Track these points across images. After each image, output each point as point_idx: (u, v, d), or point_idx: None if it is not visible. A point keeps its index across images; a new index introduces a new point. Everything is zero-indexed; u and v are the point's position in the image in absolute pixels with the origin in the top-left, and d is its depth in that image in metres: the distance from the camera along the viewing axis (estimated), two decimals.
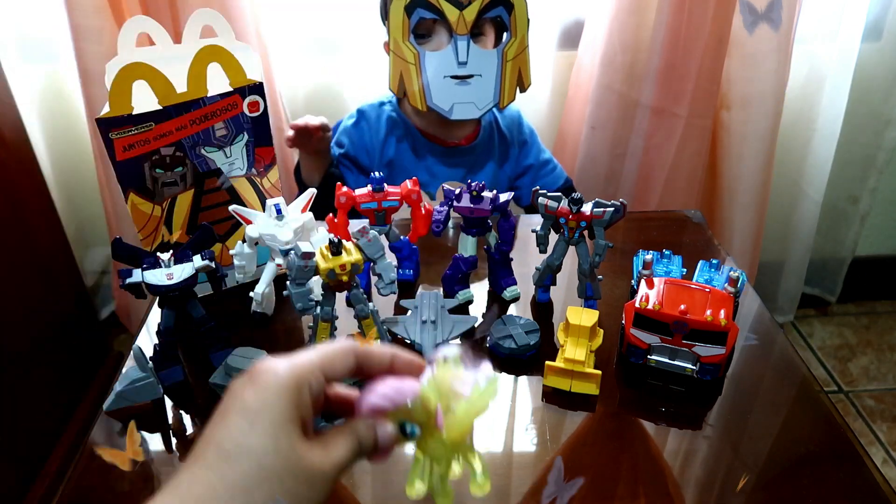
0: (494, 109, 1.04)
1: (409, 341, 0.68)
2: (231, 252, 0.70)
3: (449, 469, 0.43)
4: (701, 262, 0.73)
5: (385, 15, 1.01)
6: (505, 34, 1.01)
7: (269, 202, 0.68)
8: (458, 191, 0.71)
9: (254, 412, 0.32)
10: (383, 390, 0.39)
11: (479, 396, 0.40)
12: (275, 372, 0.33)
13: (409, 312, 0.72)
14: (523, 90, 1.05)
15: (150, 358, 0.62)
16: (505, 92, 1.01)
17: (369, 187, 0.72)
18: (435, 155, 1.10)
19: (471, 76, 0.99)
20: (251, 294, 0.69)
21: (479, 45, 1.00)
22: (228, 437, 0.32)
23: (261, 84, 0.71)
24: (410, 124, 1.11)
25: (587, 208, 0.67)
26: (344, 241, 0.61)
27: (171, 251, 0.62)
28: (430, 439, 0.41)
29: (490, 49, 1.01)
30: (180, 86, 0.67)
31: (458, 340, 0.69)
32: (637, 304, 0.61)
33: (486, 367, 0.41)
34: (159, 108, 0.66)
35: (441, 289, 0.76)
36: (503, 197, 0.71)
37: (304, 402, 0.34)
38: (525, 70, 1.03)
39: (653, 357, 0.62)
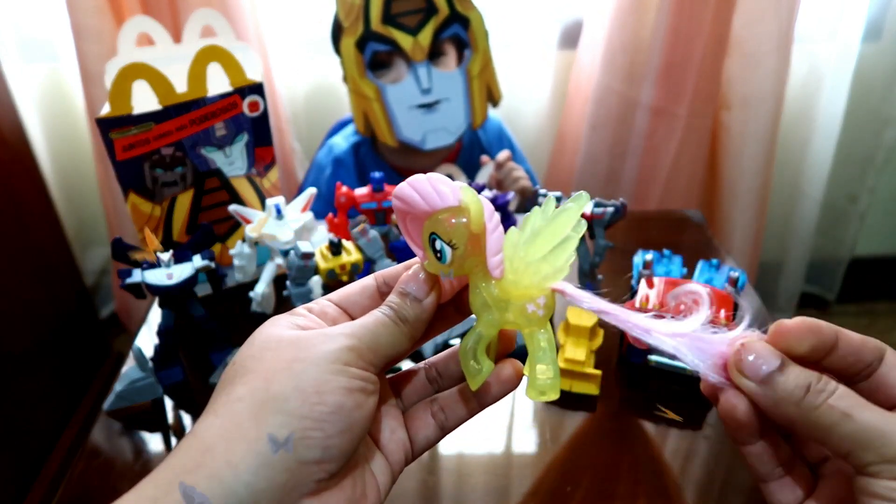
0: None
1: None
2: (231, 252, 0.70)
3: (494, 330, 0.30)
4: (701, 261, 0.73)
5: (338, 50, 0.96)
6: (466, 50, 0.96)
7: (269, 202, 0.68)
8: None
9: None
10: (419, 184, 0.28)
11: (560, 214, 0.28)
12: None
13: None
14: (495, 104, 1.01)
15: (150, 358, 0.62)
16: (476, 110, 0.96)
17: (369, 187, 0.72)
18: None
19: (437, 102, 0.94)
20: (251, 294, 0.69)
21: (440, 68, 0.94)
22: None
23: (261, 84, 0.71)
24: (385, 165, 1.06)
25: (587, 208, 0.67)
26: (344, 241, 0.61)
27: (171, 251, 0.62)
28: (475, 277, 0.29)
29: (453, 68, 0.96)
30: (180, 86, 0.67)
31: (457, 340, 0.69)
32: (637, 305, 0.61)
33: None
34: (159, 108, 0.66)
35: None
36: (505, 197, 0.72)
37: (301, 321, 0.31)
38: (493, 83, 0.99)
39: (653, 357, 0.62)
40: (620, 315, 0.29)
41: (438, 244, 0.28)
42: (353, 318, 0.32)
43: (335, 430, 0.26)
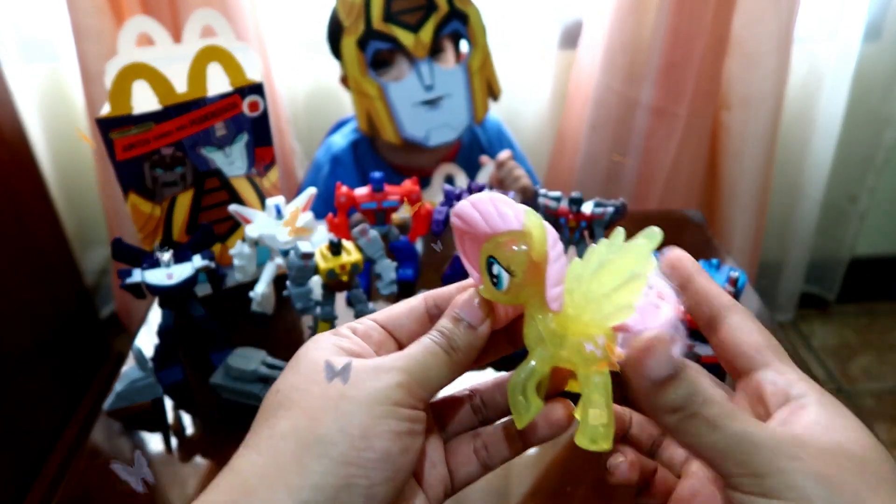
0: (474, 125, 1.02)
1: None
2: (231, 252, 0.70)
3: (547, 367, 0.28)
4: (701, 261, 0.73)
5: (337, 52, 0.97)
6: (466, 46, 0.97)
7: (269, 202, 0.68)
8: (458, 191, 0.71)
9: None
10: (481, 203, 0.27)
11: (630, 250, 0.26)
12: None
13: None
14: (496, 99, 1.02)
15: (151, 358, 0.62)
16: (478, 105, 0.97)
17: (369, 187, 0.72)
18: None
19: (440, 98, 0.95)
20: (251, 294, 0.69)
21: (440, 64, 0.95)
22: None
23: (261, 84, 0.71)
24: (384, 163, 1.06)
25: (587, 208, 0.67)
26: (344, 241, 0.61)
27: (171, 251, 0.62)
28: (532, 308, 0.27)
29: (452, 64, 0.97)
30: (180, 86, 0.67)
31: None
32: None
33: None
34: (159, 108, 0.66)
35: None
36: None
37: (346, 343, 0.29)
38: (493, 78, 1.00)
39: None
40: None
41: (496, 269, 0.27)
42: (398, 342, 0.30)
43: (381, 477, 0.25)
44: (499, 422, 0.32)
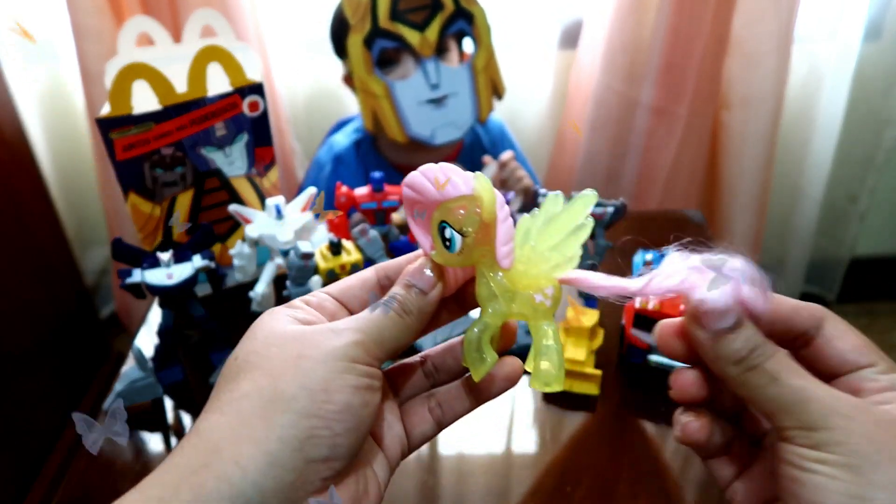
0: (477, 126, 1.02)
1: None
2: (231, 252, 0.70)
3: (500, 321, 0.30)
4: None
5: (340, 51, 0.97)
6: (471, 46, 0.98)
7: (269, 202, 0.68)
8: None
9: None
10: (431, 172, 0.29)
11: (575, 201, 0.29)
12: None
13: None
14: (500, 98, 1.02)
15: (151, 358, 0.62)
16: (482, 104, 0.98)
17: (369, 187, 0.72)
18: None
19: (445, 96, 0.96)
20: (251, 294, 0.69)
21: (446, 63, 0.96)
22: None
23: (261, 84, 0.71)
24: (386, 163, 1.07)
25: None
26: (344, 241, 0.61)
27: (171, 251, 0.62)
28: (483, 267, 0.29)
29: (456, 63, 0.98)
30: (180, 86, 0.67)
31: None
32: (637, 305, 0.61)
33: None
34: (159, 108, 0.66)
35: None
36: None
37: (300, 314, 0.30)
38: (497, 77, 1.00)
39: (653, 357, 0.62)
40: (617, 285, 0.28)
41: (448, 232, 0.28)
42: (351, 312, 0.31)
43: (343, 428, 0.26)
44: (452, 382, 0.34)
